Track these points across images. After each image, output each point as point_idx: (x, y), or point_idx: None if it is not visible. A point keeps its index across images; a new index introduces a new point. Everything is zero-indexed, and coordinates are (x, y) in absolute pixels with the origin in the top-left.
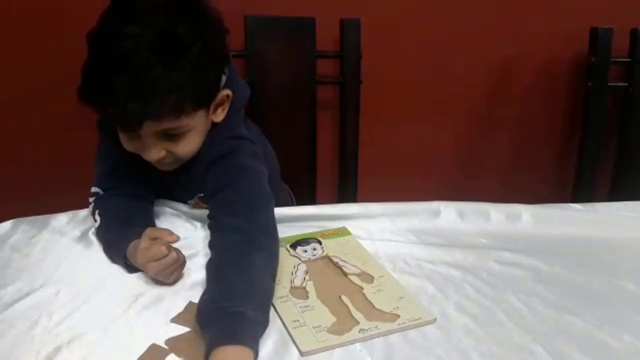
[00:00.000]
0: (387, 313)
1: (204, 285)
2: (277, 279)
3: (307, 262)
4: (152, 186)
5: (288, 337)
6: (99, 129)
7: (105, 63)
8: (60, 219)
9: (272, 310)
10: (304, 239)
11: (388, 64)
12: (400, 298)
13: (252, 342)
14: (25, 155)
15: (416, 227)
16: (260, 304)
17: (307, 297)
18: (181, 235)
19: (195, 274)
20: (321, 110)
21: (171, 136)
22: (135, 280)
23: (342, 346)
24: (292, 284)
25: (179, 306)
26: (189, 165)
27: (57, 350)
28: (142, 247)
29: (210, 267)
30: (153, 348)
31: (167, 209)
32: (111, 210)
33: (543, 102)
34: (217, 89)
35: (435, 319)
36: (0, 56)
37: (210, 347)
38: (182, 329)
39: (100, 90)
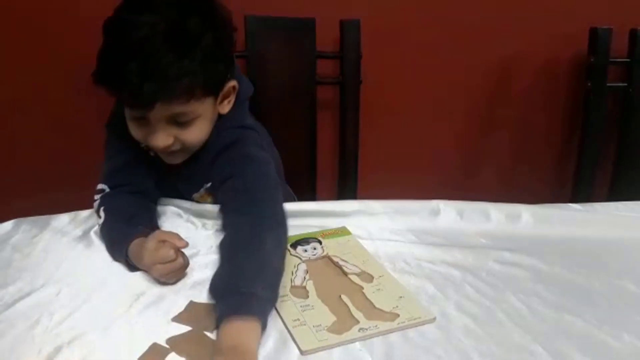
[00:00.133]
0: (387, 312)
1: (205, 285)
2: None
3: (307, 261)
4: (157, 184)
5: (288, 336)
6: (107, 127)
7: (121, 48)
8: (61, 219)
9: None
10: (304, 238)
11: (388, 64)
12: (400, 297)
13: (261, 315)
14: (25, 155)
15: (416, 227)
16: (270, 282)
17: (307, 297)
18: (181, 235)
19: (196, 274)
20: (321, 110)
21: (180, 123)
22: (136, 280)
23: (342, 345)
24: (293, 284)
25: (180, 305)
26: (196, 156)
27: (58, 349)
28: (149, 247)
29: (222, 247)
30: (154, 347)
31: (169, 209)
32: (116, 207)
33: (543, 102)
34: (225, 80)
35: (434, 319)
36: (0, 56)
37: (220, 320)
38: (183, 328)
39: (116, 72)
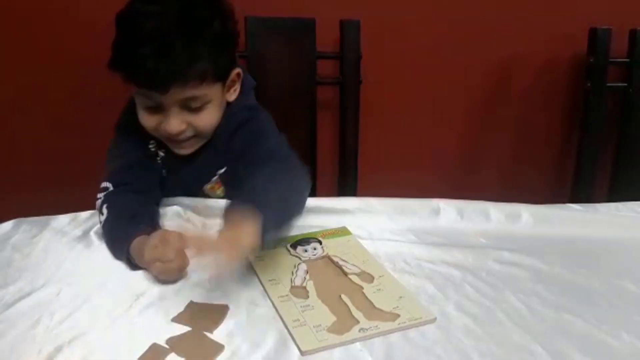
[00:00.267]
0: (387, 312)
1: (205, 285)
2: (277, 278)
3: (308, 261)
4: (165, 183)
5: (288, 336)
6: (117, 128)
7: (137, 35)
8: (61, 220)
9: (272, 309)
10: (304, 238)
11: (388, 64)
12: (400, 298)
13: (266, 218)
14: (25, 155)
15: (416, 227)
16: (281, 208)
17: (308, 297)
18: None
19: (196, 274)
20: (321, 110)
21: (192, 109)
22: (136, 280)
23: (342, 345)
24: (293, 284)
25: (180, 306)
26: (207, 144)
27: (59, 349)
28: (151, 244)
29: (245, 181)
30: (154, 347)
31: (169, 209)
32: (119, 205)
33: (542, 102)
34: (232, 66)
35: (435, 319)
36: (1, 56)
37: (226, 208)
38: (183, 329)
39: (132, 58)
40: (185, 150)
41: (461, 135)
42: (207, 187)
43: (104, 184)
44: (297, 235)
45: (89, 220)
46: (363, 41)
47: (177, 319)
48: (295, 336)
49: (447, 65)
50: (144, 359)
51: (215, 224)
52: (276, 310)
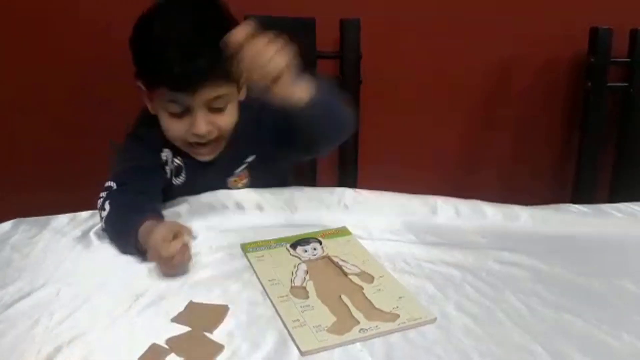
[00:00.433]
0: (387, 313)
1: (205, 285)
2: (277, 278)
3: (307, 262)
4: (174, 193)
5: (288, 336)
6: (129, 137)
7: (162, 42)
8: (61, 220)
9: (272, 309)
10: (304, 238)
11: (388, 64)
12: (400, 298)
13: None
14: (25, 155)
15: (416, 227)
16: (331, 96)
17: (308, 297)
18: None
19: (196, 274)
20: None
21: (215, 110)
22: (136, 280)
23: (342, 346)
24: (293, 284)
25: (180, 306)
26: (230, 141)
27: (58, 349)
28: (158, 232)
29: None
30: (154, 348)
31: (169, 210)
32: (123, 201)
33: (543, 102)
34: None
35: (435, 319)
36: (1, 56)
37: None
38: (183, 329)
39: (161, 62)
40: (207, 157)
41: (461, 135)
42: (231, 180)
43: (108, 184)
44: (297, 236)
45: (89, 220)
46: (363, 41)
47: (177, 319)
48: (295, 336)
49: (447, 65)
50: (143, 359)
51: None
52: (276, 310)
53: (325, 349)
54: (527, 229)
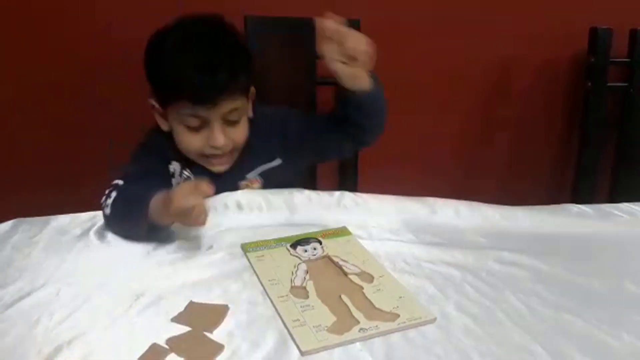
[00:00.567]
0: (387, 312)
1: (204, 285)
2: (277, 278)
3: (307, 261)
4: None
5: (288, 336)
6: (139, 146)
7: (181, 57)
8: (61, 220)
9: (272, 309)
10: (304, 238)
11: (388, 64)
12: (400, 298)
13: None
14: (25, 155)
15: (416, 227)
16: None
17: (308, 297)
18: (180, 235)
19: (196, 274)
20: (321, 110)
21: (230, 123)
22: (136, 280)
23: (342, 345)
24: (293, 284)
25: (180, 306)
26: (242, 153)
27: (58, 349)
28: (180, 185)
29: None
30: (154, 347)
31: None
32: (131, 189)
33: (543, 102)
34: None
35: (435, 319)
36: (1, 56)
37: None
38: (183, 329)
39: (181, 77)
40: (221, 168)
41: (461, 135)
42: (242, 184)
43: (115, 182)
44: (297, 235)
45: (89, 220)
46: None
47: (177, 319)
48: (295, 336)
49: (446, 65)
50: (143, 359)
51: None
52: (276, 310)
53: (325, 348)
54: (527, 229)
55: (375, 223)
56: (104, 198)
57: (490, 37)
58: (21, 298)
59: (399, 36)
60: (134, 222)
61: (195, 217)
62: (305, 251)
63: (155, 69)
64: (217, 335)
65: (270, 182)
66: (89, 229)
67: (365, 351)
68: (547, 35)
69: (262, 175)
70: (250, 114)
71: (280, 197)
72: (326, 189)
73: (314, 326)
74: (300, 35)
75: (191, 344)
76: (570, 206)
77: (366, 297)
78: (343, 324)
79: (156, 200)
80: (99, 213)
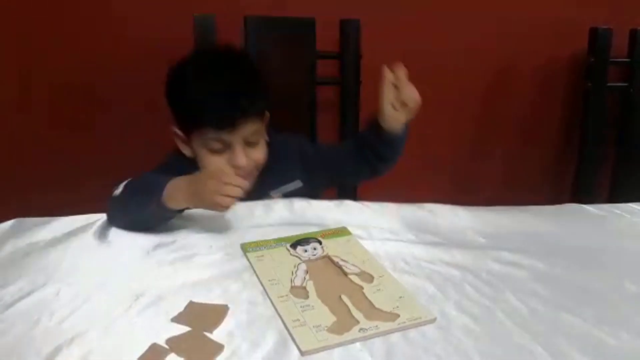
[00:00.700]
0: (387, 312)
1: (204, 285)
2: (277, 278)
3: (307, 261)
4: None
5: (288, 336)
6: (160, 165)
7: (205, 87)
8: (62, 220)
9: (272, 309)
10: (304, 238)
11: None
12: (400, 297)
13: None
14: (25, 155)
15: (416, 227)
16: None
17: (307, 297)
18: (180, 235)
19: (196, 274)
20: (321, 110)
21: (250, 144)
22: (136, 280)
23: (342, 345)
24: (293, 284)
25: (180, 306)
26: (265, 176)
27: (58, 349)
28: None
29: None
30: (154, 347)
31: None
32: (145, 174)
33: (543, 102)
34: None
35: (435, 319)
36: (1, 56)
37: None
38: (183, 329)
39: (205, 105)
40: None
41: (461, 135)
42: (275, 194)
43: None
44: (297, 236)
45: (89, 221)
46: (363, 41)
47: (177, 319)
48: (295, 336)
49: (447, 65)
50: (143, 359)
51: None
52: (276, 310)
53: (325, 348)
54: (527, 229)
55: (375, 223)
56: (112, 193)
57: (490, 37)
58: (21, 298)
59: (399, 36)
60: (145, 203)
61: (230, 195)
62: (305, 251)
63: (179, 99)
64: (217, 335)
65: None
66: (89, 230)
67: (365, 351)
68: (547, 36)
69: (285, 195)
70: (266, 137)
71: (279, 203)
72: (325, 195)
73: (314, 326)
74: (300, 35)
75: (191, 344)
76: (570, 206)
77: (366, 297)
78: (343, 324)
79: (175, 184)
80: (100, 215)
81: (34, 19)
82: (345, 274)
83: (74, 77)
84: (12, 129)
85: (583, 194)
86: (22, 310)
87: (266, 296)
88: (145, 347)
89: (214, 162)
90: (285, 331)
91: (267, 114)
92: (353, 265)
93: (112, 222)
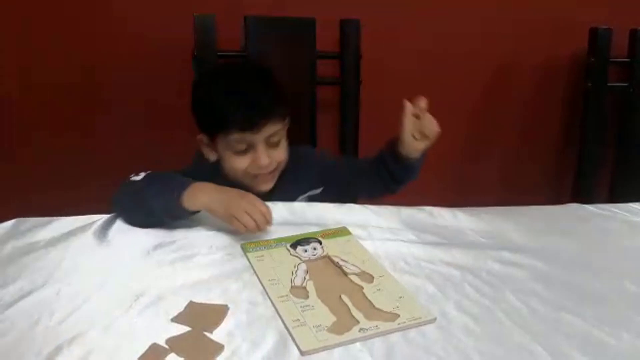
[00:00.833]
0: (387, 312)
1: (204, 285)
2: (277, 278)
3: (307, 261)
4: None
5: (288, 336)
6: (181, 170)
7: (230, 93)
8: (62, 220)
9: (272, 309)
10: (304, 238)
11: (388, 64)
12: (400, 297)
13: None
14: (26, 155)
15: (416, 227)
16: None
17: (308, 297)
18: (180, 235)
19: (196, 274)
20: (321, 110)
21: (272, 144)
22: (136, 280)
23: (342, 345)
24: (293, 284)
25: (180, 306)
26: (281, 177)
27: (59, 349)
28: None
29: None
30: (154, 347)
31: None
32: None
33: (543, 102)
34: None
35: (435, 319)
36: (1, 56)
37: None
38: (183, 329)
39: (229, 110)
40: (266, 185)
41: (461, 136)
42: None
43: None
44: (297, 236)
45: (89, 221)
46: (363, 41)
47: (177, 319)
48: (295, 336)
49: (447, 65)
50: (143, 359)
51: (213, 225)
52: (276, 310)
53: (325, 348)
54: (527, 229)
55: (375, 223)
56: (131, 175)
57: (490, 37)
58: (21, 298)
59: (399, 36)
60: (162, 193)
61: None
62: (305, 251)
63: (205, 105)
64: (217, 335)
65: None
66: (89, 230)
67: (365, 351)
68: (547, 36)
69: (309, 199)
70: (286, 140)
71: (279, 203)
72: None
73: (314, 326)
74: (300, 35)
75: (191, 344)
76: (570, 206)
77: (366, 297)
78: (343, 324)
79: (202, 185)
80: (100, 216)
81: (34, 18)
82: (345, 274)
83: (74, 77)
84: (12, 129)
85: (583, 194)
86: (22, 310)
87: (266, 296)
88: (145, 347)
89: (238, 163)
90: (285, 331)
91: (288, 120)
92: (353, 265)
93: (116, 205)
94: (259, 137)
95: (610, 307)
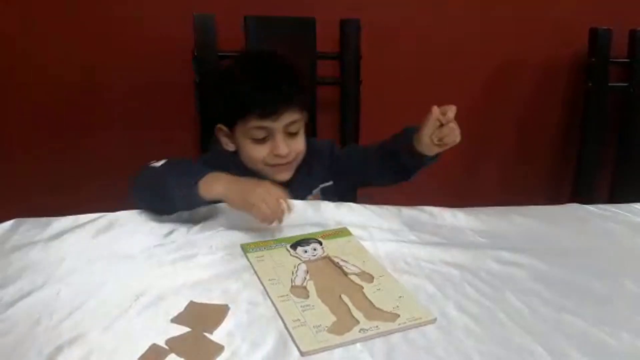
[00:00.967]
0: (387, 312)
1: (205, 285)
2: (277, 278)
3: (308, 262)
4: None
5: (288, 336)
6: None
7: (251, 80)
8: (62, 220)
9: (272, 309)
10: (304, 239)
11: (388, 64)
12: (400, 297)
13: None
14: (26, 156)
15: (416, 227)
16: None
17: (308, 297)
18: (180, 235)
19: (196, 274)
20: (321, 110)
21: (291, 134)
22: (136, 280)
23: (343, 346)
24: (293, 284)
25: (180, 306)
26: (299, 169)
27: (59, 349)
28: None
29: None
30: (153, 348)
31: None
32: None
33: (543, 102)
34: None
35: (435, 319)
36: (1, 56)
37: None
38: (183, 329)
39: (251, 97)
40: (284, 175)
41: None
42: (309, 197)
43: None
44: (297, 236)
45: (89, 221)
46: (363, 41)
47: (177, 320)
48: (295, 336)
49: (447, 65)
50: (143, 359)
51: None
52: (276, 310)
53: (325, 349)
54: (527, 229)
55: (376, 223)
56: (150, 162)
57: (490, 37)
58: (21, 298)
59: (399, 36)
60: (182, 181)
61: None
62: (305, 252)
63: (226, 92)
64: (217, 335)
65: (328, 198)
66: (89, 230)
67: (366, 352)
68: (547, 36)
69: (322, 191)
70: (304, 131)
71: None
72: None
73: (314, 326)
74: (300, 35)
75: (191, 344)
76: (571, 206)
77: (366, 297)
78: (343, 324)
79: (218, 175)
80: (99, 214)
81: (34, 18)
82: (346, 273)
83: (74, 77)
84: (11, 129)
85: (583, 194)
86: (22, 310)
87: (266, 296)
88: (145, 348)
89: (257, 151)
90: (285, 331)
91: (307, 112)
92: (353, 265)
93: (135, 189)
94: (278, 125)
95: (611, 307)
